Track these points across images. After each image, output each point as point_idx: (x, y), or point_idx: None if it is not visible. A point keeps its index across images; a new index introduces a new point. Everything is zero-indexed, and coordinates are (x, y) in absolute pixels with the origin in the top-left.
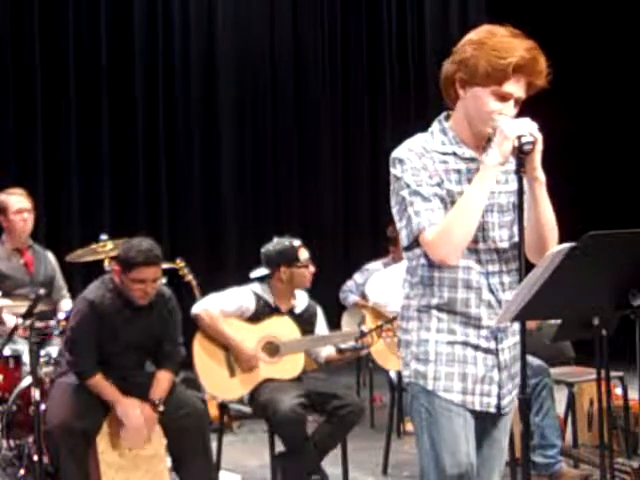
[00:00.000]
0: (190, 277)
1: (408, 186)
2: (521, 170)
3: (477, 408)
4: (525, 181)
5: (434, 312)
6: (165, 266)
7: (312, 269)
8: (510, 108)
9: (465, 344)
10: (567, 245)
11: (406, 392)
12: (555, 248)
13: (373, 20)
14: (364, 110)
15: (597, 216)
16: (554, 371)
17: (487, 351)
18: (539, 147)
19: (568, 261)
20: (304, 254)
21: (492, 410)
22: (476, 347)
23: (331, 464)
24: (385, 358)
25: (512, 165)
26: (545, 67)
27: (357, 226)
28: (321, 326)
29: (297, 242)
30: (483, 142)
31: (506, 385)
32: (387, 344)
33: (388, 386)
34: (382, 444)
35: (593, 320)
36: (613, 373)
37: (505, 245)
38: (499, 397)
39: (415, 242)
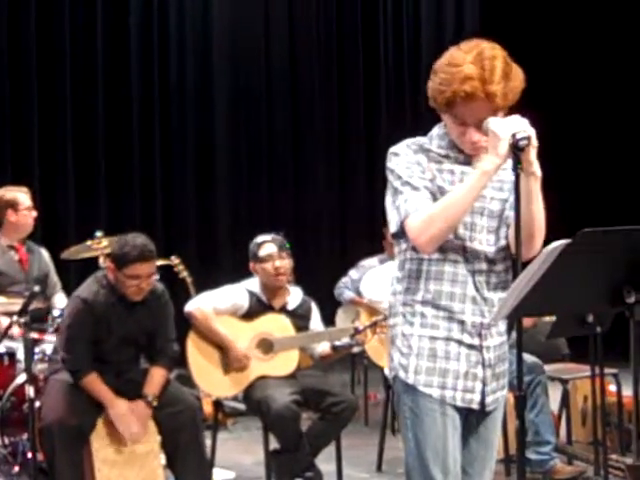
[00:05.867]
0: (185, 274)
1: (400, 177)
2: (518, 167)
3: (459, 404)
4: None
5: (418, 307)
6: (160, 263)
7: (279, 264)
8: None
9: (448, 339)
10: (563, 242)
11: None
12: (551, 245)
13: (369, 23)
14: (359, 111)
15: (590, 213)
16: (548, 368)
17: (471, 347)
18: (534, 142)
19: (563, 258)
20: (266, 249)
21: (475, 407)
22: (460, 342)
23: (325, 461)
24: (380, 355)
25: (506, 174)
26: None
27: (353, 223)
28: (316, 322)
29: (265, 237)
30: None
31: (490, 383)
32: (382, 341)
33: (383, 383)
34: (376, 441)
35: (587, 317)
36: (607, 370)
37: (492, 249)
38: (483, 394)
39: (402, 229)
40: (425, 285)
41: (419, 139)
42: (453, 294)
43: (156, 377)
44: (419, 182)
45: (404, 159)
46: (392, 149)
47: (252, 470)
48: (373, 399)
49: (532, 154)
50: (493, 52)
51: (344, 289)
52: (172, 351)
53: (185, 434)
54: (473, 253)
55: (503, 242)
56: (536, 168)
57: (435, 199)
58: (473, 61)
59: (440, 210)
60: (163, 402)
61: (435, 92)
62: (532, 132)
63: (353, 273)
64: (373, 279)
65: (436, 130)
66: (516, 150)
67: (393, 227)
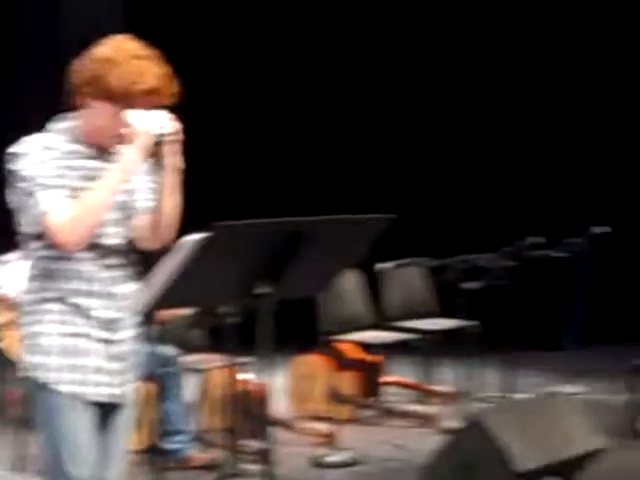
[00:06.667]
0: None
1: (29, 179)
2: (157, 161)
3: (91, 399)
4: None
5: (47, 305)
6: None
7: None
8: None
9: (77, 335)
10: (198, 235)
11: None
12: (187, 237)
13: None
14: None
15: (225, 207)
16: (184, 359)
17: (100, 342)
18: (174, 137)
19: (199, 250)
20: None
21: (108, 400)
22: (89, 338)
23: None
24: (17, 352)
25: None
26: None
27: None
28: None
29: None
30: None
31: (121, 376)
32: (19, 338)
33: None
34: (15, 438)
35: (222, 308)
36: (240, 359)
37: (118, 241)
38: (114, 387)
39: (40, 229)
40: (54, 283)
41: (40, 136)
42: (79, 291)
43: None
44: (50, 182)
45: (30, 159)
46: (14, 149)
47: None
48: (12, 396)
49: (171, 148)
50: (147, 51)
51: None
52: None
53: None
54: (102, 248)
55: (130, 234)
56: (174, 161)
57: (70, 197)
58: (137, 55)
59: (85, 207)
60: None
61: (98, 80)
62: (173, 126)
63: None
64: (8, 275)
65: (62, 125)
66: (156, 143)
67: (27, 227)
